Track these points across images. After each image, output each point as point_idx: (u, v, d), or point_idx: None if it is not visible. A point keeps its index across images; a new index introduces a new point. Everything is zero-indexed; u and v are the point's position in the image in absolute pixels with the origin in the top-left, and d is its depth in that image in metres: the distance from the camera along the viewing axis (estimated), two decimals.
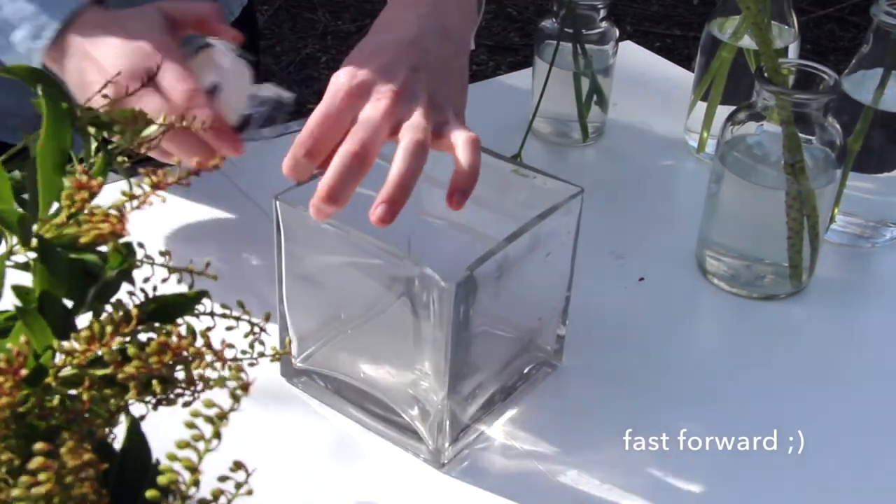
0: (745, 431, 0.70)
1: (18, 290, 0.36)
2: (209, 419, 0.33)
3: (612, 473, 0.66)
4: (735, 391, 0.74)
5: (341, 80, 0.66)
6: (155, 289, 0.42)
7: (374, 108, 0.64)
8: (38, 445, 0.30)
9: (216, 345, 0.37)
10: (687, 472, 0.67)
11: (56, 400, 0.34)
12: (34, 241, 0.37)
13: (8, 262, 0.40)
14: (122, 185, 0.47)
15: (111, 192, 0.43)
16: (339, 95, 0.65)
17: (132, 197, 0.38)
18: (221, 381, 0.35)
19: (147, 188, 0.39)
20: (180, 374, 0.37)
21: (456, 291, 0.59)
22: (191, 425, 0.33)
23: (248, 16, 1.15)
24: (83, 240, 0.36)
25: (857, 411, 0.73)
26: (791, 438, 0.70)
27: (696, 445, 0.69)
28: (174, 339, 0.35)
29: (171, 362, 0.34)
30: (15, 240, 0.39)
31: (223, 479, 0.34)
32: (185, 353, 0.35)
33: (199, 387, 0.36)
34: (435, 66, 0.69)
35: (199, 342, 0.36)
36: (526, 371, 0.71)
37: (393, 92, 0.65)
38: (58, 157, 0.40)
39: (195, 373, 0.36)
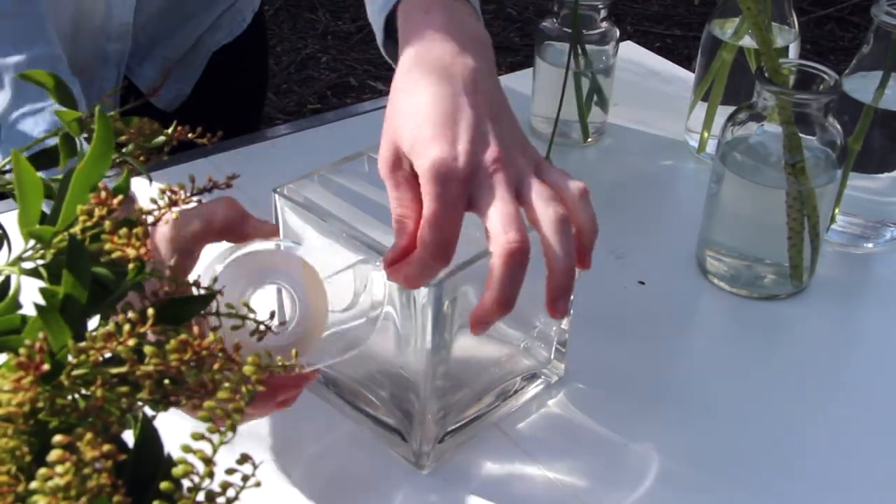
0: (745, 431, 0.70)
1: (45, 292, 0.36)
2: (224, 412, 0.33)
3: (617, 471, 0.66)
4: (735, 391, 0.74)
5: (441, 165, 0.55)
6: (166, 294, 0.42)
7: (498, 195, 0.55)
8: (57, 438, 0.30)
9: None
10: (688, 470, 0.67)
11: (68, 398, 0.35)
12: (63, 244, 0.37)
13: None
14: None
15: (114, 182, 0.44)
16: (452, 187, 0.55)
17: (148, 213, 0.39)
18: (235, 385, 0.36)
19: (163, 204, 0.40)
20: (190, 378, 0.38)
21: (435, 293, 0.58)
22: (206, 417, 0.33)
23: (258, 21, 1.16)
24: (104, 258, 0.37)
25: (857, 411, 0.73)
26: (791, 438, 0.70)
27: (697, 444, 0.69)
28: (192, 338, 0.36)
29: (190, 360, 0.35)
30: (31, 243, 0.39)
31: (230, 471, 0.34)
32: (203, 353, 0.35)
33: (210, 389, 0.36)
34: (494, 102, 0.61)
35: (213, 344, 0.36)
36: (522, 377, 0.71)
37: (499, 165, 0.56)
38: (92, 180, 0.40)
39: (205, 376, 0.37)
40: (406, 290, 0.59)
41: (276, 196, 0.65)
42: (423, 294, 0.59)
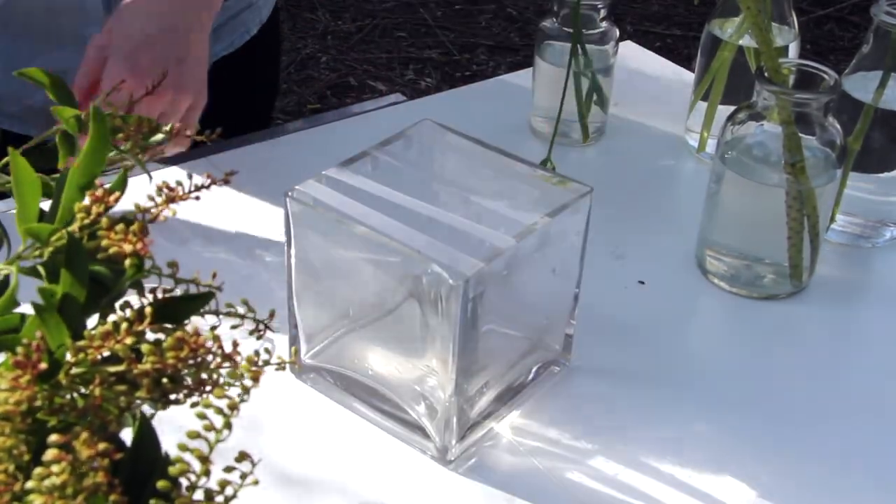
0: (745, 430, 0.70)
1: (44, 291, 0.36)
2: (219, 410, 0.33)
3: (619, 471, 0.66)
4: (735, 391, 0.74)
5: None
6: (164, 293, 0.42)
7: None
8: (53, 437, 0.30)
9: (226, 345, 0.37)
10: (689, 470, 0.67)
11: (66, 397, 0.35)
12: (60, 242, 0.37)
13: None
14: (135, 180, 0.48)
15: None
16: None
17: (145, 210, 0.39)
18: (231, 381, 0.36)
19: (160, 201, 0.40)
20: (189, 377, 0.38)
21: (464, 289, 0.59)
22: (202, 416, 0.33)
23: (268, 33, 1.14)
24: (101, 255, 0.37)
25: (857, 411, 0.73)
26: (791, 437, 0.70)
27: (698, 443, 0.69)
28: (189, 335, 0.36)
29: (187, 358, 0.35)
30: (30, 241, 0.39)
31: (229, 469, 0.34)
32: (199, 351, 0.35)
33: (209, 388, 0.36)
34: None
35: (211, 343, 0.36)
36: (534, 369, 0.72)
37: None
38: (89, 176, 0.40)
39: (204, 374, 0.37)
40: (433, 286, 0.61)
41: (288, 200, 0.66)
42: (451, 289, 0.59)
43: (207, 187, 0.42)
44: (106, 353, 0.36)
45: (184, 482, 0.33)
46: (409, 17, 3.11)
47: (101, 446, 0.30)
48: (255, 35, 1.11)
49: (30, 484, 0.30)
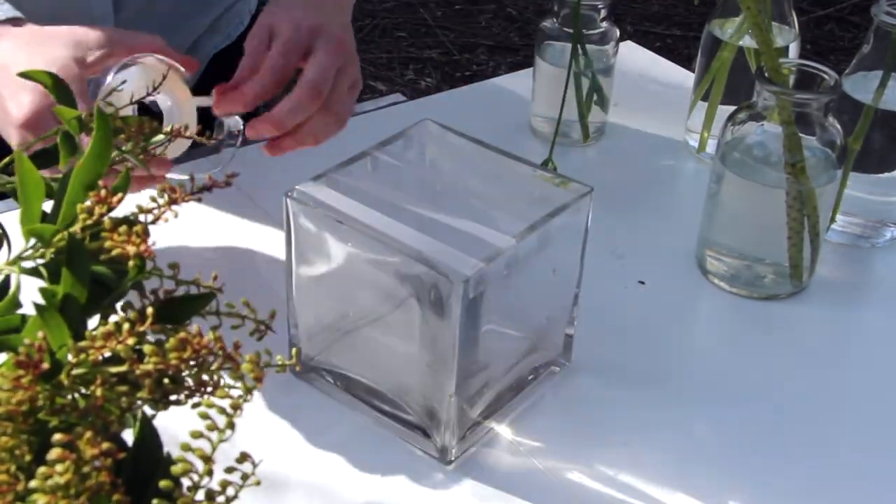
0: (745, 430, 0.70)
1: (45, 292, 0.36)
2: (222, 410, 0.33)
3: (619, 472, 0.67)
4: (735, 391, 0.74)
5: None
6: (166, 294, 0.42)
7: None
8: (57, 437, 0.30)
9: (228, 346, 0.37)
10: (689, 470, 0.67)
11: (67, 398, 0.35)
12: (62, 243, 0.37)
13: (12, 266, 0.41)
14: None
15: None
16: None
17: (147, 211, 0.39)
18: (233, 382, 0.36)
19: (162, 202, 0.40)
20: (189, 378, 0.38)
21: (464, 289, 0.59)
22: (204, 416, 0.34)
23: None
24: (104, 256, 0.37)
25: (857, 411, 0.73)
26: (791, 438, 0.70)
27: (699, 444, 0.69)
28: (192, 336, 0.36)
29: (189, 359, 0.35)
30: (32, 241, 0.39)
31: (230, 469, 0.34)
32: (202, 352, 0.35)
33: (210, 388, 0.36)
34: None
35: (212, 344, 0.36)
36: (534, 369, 0.72)
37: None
38: (92, 177, 0.40)
39: (205, 376, 0.37)
40: (433, 286, 0.61)
41: (288, 200, 0.66)
42: (451, 289, 0.59)
43: (209, 189, 0.42)
44: (107, 354, 0.36)
45: (186, 482, 0.33)
46: (409, 17, 3.11)
47: (105, 446, 0.30)
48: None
49: (33, 483, 0.30)
